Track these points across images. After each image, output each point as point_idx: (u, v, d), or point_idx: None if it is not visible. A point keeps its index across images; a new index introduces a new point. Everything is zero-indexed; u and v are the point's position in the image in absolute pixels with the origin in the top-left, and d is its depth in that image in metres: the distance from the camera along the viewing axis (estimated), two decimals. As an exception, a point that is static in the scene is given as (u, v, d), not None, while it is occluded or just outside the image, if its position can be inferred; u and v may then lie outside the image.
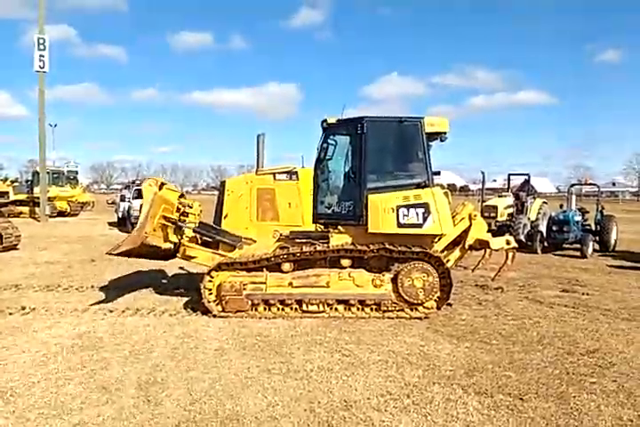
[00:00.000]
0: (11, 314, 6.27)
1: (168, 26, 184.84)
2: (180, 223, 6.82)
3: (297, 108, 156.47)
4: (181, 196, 7.23)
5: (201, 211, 7.54)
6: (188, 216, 7.19)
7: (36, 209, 23.04)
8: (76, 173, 39.92)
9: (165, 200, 6.64)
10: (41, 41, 21.49)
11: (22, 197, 24.60)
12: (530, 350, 5.10)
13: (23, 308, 6.53)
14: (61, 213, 24.73)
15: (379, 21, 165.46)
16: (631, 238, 16.00)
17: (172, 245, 6.91)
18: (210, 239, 6.64)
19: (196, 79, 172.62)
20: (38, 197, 22.56)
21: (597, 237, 13.17)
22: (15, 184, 26.35)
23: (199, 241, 6.73)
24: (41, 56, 21.43)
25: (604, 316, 6.53)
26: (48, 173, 23.66)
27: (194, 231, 6.68)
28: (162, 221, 6.66)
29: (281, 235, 6.52)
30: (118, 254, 6.26)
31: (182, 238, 6.84)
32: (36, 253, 11.84)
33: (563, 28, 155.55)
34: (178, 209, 7.06)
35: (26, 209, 24.30)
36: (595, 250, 12.78)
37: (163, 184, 6.47)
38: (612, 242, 13.30)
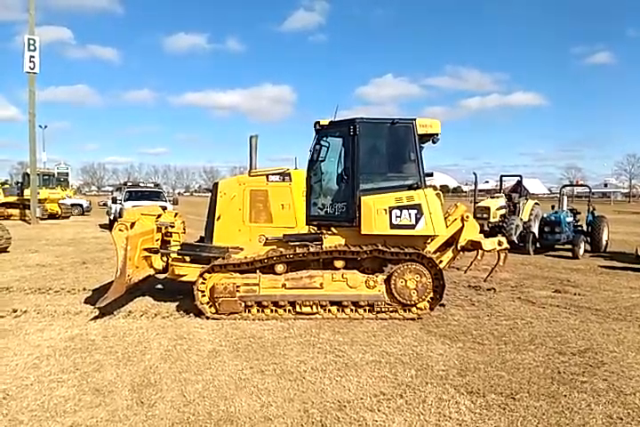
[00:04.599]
0: (2, 317, 6.21)
1: (163, 28, 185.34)
2: (162, 251, 6.91)
3: (291, 110, 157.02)
4: (160, 216, 7.26)
5: (184, 226, 7.57)
6: (171, 236, 7.23)
7: (27, 211, 22.87)
8: (67, 174, 39.77)
9: (142, 234, 6.62)
10: (31, 42, 21.36)
11: (12, 199, 24.40)
12: (522, 350, 5.14)
13: (14, 311, 6.49)
14: (52, 216, 24.56)
15: (373, 23, 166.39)
16: (622, 239, 16.16)
17: (161, 267, 7.02)
18: (197, 257, 6.57)
19: (190, 81, 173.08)
20: (29, 200, 22.39)
21: (589, 238, 13.29)
22: (5, 186, 26.14)
23: (187, 259, 6.64)
24: (31, 57, 21.30)
25: (595, 316, 6.59)
26: (38, 175, 23.48)
27: (178, 254, 6.69)
28: (144, 254, 6.72)
29: (267, 239, 6.51)
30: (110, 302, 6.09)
31: (169, 259, 6.85)
32: (27, 256, 11.75)
33: (556, 30, 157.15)
34: (159, 229, 7.12)
35: (16, 211, 24.12)
36: (586, 251, 12.88)
37: (133, 224, 6.35)
38: (604, 243, 13.42)
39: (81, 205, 29.67)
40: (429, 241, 6.67)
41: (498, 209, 14.47)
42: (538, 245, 13.21)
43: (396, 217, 6.16)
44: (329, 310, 6.31)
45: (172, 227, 7.27)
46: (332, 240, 6.47)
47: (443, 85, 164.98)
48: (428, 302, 6.37)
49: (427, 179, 6.42)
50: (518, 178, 16.38)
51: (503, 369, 4.61)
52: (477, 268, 7.87)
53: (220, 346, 5.22)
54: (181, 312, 6.51)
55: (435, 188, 6.78)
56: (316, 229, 6.68)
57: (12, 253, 12.09)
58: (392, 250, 6.21)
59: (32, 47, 21.33)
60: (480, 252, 6.98)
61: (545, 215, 13.67)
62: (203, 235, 7.11)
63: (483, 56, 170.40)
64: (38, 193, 22.72)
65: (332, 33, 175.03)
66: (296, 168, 7.20)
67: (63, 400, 3.87)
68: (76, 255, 12.00)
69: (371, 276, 6.34)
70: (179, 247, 6.82)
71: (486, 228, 13.56)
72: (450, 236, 6.83)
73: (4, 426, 3.47)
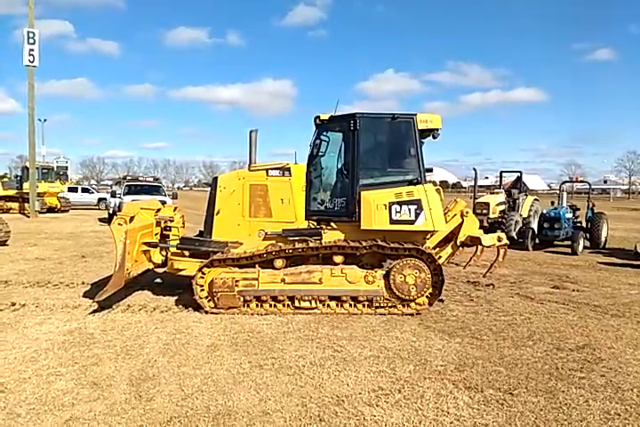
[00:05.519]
0: (0, 310, 6.21)
1: (164, 22, 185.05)
2: (161, 245, 6.93)
3: (291, 105, 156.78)
4: (159, 210, 7.23)
5: (183, 221, 7.55)
6: (170, 230, 7.24)
7: (26, 205, 22.85)
8: (66, 168, 39.70)
9: (141, 228, 6.62)
10: (31, 35, 21.26)
11: (12, 192, 24.36)
12: (520, 346, 5.15)
13: (13, 304, 6.48)
14: (51, 209, 24.55)
15: (374, 19, 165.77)
16: (621, 236, 16.18)
17: (160, 261, 7.04)
18: (196, 252, 6.56)
19: (191, 75, 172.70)
20: (28, 193, 22.36)
21: (588, 235, 13.30)
22: (4, 180, 26.11)
23: (186, 253, 6.64)
24: (31, 50, 21.22)
25: (593, 312, 6.60)
26: (37, 168, 23.43)
27: (177, 249, 6.70)
28: (143, 247, 6.73)
29: (266, 233, 6.51)
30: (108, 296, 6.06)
31: (168, 253, 6.87)
32: (26, 250, 11.74)
33: (558, 26, 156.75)
34: (158, 223, 7.12)
35: (15, 205, 24.10)
36: (585, 247, 12.90)
37: (133, 217, 6.34)
38: (603, 239, 13.43)
39: (106, 200, 29.65)
40: (429, 236, 6.66)
41: (497, 205, 14.47)
42: (537, 241, 13.22)
43: (396, 212, 6.15)
44: (328, 305, 6.30)
45: (172, 221, 7.26)
46: (332, 235, 6.46)
47: (444, 81, 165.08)
48: (427, 297, 6.37)
49: (427, 174, 6.40)
50: (518, 174, 16.38)
51: (501, 365, 4.61)
52: (476, 263, 7.86)
53: (218, 340, 5.22)
54: (180, 306, 6.50)
55: (434, 183, 6.76)
56: (315, 224, 6.67)
57: (10, 246, 12.08)
58: (391, 245, 6.20)
59: (31, 40, 21.23)
60: (479, 247, 6.98)
61: (544, 211, 13.67)
62: (202, 229, 7.11)
63: (484, 52, 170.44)
64: (37, 187, 22.68)
65: (333, 28, 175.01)
66: (296, 163, 7.18)
67: (61, 394, 3.87)
68: (75, 249, 11.99)
69: (370, 271, 6.33)
70: (178, 241, 6.82)
71: (486, 223, 13.56)
72: (449, 231, 6.83)
73: (1, 419, 3.47)
